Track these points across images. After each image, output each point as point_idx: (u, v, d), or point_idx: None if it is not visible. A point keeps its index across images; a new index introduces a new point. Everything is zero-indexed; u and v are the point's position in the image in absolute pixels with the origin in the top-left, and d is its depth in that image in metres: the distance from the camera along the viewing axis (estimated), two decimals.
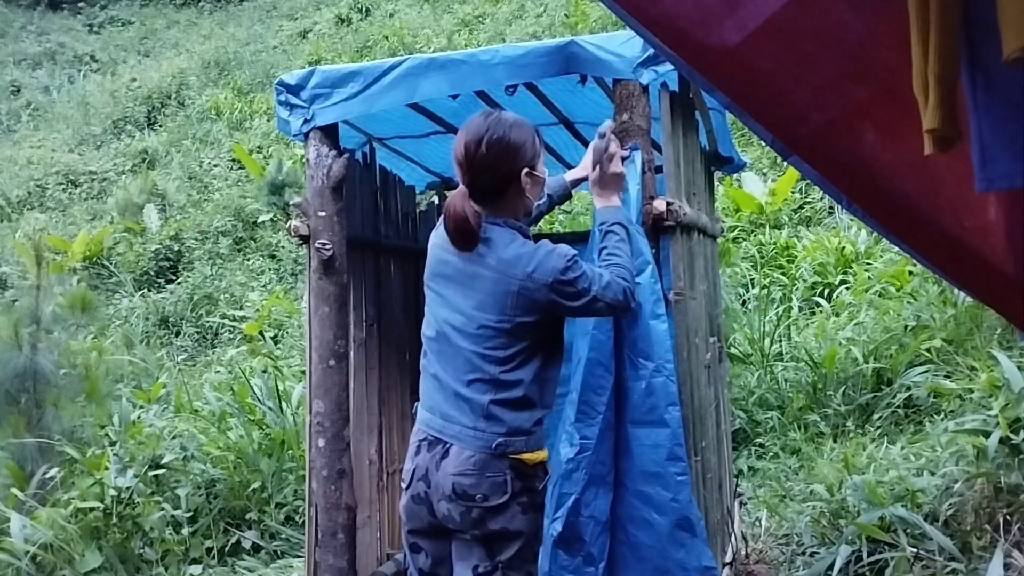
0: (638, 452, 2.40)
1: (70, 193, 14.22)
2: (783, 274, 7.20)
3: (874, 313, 5.71)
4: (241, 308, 9.41)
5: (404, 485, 2.25)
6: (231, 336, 9.06)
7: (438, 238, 2.29)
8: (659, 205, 2.48)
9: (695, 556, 2.38)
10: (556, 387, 2.27)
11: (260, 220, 11.26)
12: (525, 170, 2.20)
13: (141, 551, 4.07)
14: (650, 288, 2.40)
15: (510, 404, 2.14)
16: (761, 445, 5.06)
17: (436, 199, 4.25)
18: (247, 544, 4.40)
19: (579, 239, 2.57)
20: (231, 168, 13.69)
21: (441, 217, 2.30)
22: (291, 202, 3.06)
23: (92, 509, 4.04)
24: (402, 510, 2.28)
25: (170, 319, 9.76)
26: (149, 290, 10.58)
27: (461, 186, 2.23)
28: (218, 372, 7.48)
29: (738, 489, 4.07)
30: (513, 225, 2.23)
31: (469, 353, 2.16)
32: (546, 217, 2.74)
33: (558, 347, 2.26)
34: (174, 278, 10.82)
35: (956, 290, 4.79)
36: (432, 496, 2.17)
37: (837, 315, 6.12)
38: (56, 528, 3.89)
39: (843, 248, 7.09)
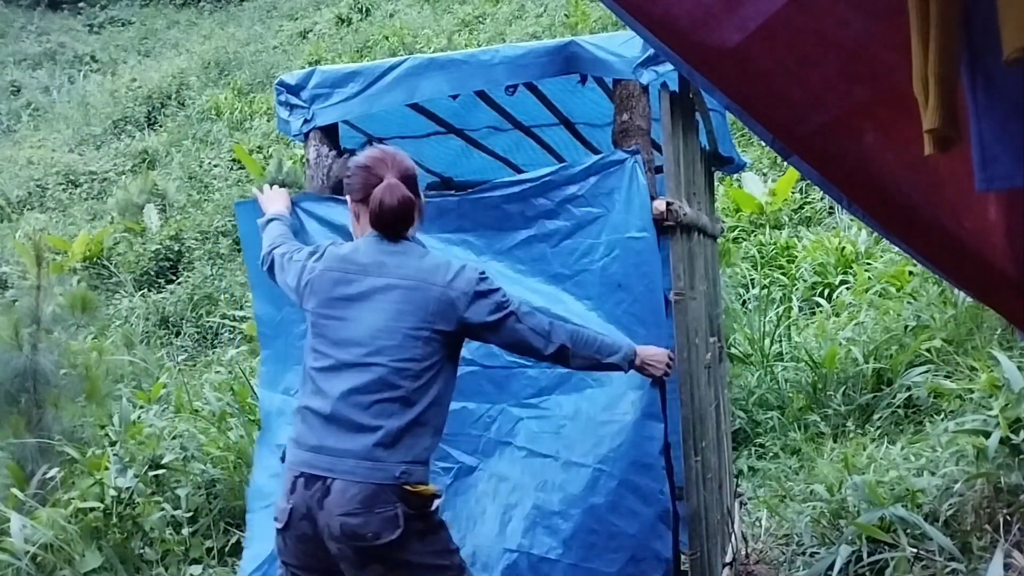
0: (636, 442, 2.40)
1: (70, 193, 14.23)
2: (783, 274, 7.20)
3: (874, 313, 5.71)
4: (241, 308, 9.39)
5: (280, 525, 2.10)
6: (231, 336, 9.04)
7: (328, 264, 2.22)
8: (659, 205, 2.48)
9: (666, 547, 2.40)
10: (447, 415, 2.20)
11: None
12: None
13: (141, 551, 4.06)
14: None
15: (415, 426, 2.06)
16: (761, 445, 5.05)
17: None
18: None
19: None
20: (231, 168, 13.70)
21: (315, 252, 2.28)
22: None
23: (92, 509, 4.03)
24: (281, 551, 2.14)
25: (170, 319, 9.75)
26: (149, 290, 10.58)
27: (391, 179, 2.18)
28: (218, 372, 7.46)
29: (738, 489, 4.07)
30: (418, 240, 2.26)
31: (382, 370, 2.06)
32: None
33: (455, 372, 2.20)
34: (174, 278, 10.82)
35: (956, 290, 4.79)
36: (322, 534, 2.04)
37: (837, 315, 6.12)
38: (56, 528, 3.88)
39: (843, 248, 7.09)
